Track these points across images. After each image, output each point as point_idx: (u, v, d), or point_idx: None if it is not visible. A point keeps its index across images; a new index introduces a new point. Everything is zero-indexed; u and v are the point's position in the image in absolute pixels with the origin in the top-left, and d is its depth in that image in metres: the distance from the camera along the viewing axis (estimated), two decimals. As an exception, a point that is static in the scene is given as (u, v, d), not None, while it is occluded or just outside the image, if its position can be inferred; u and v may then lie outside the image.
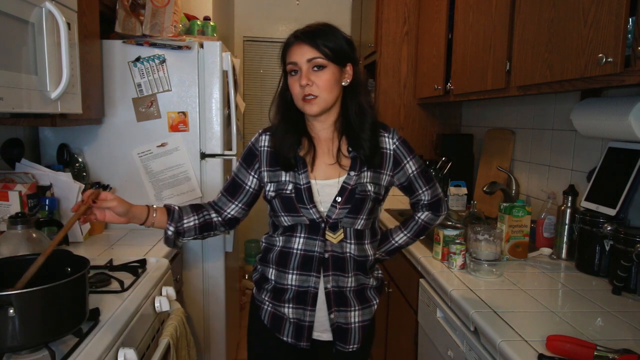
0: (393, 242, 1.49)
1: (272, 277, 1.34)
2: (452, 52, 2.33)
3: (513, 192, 2.23)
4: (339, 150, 1.32)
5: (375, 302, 1.39)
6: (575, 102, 1.80)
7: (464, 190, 2.61)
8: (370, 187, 1.30)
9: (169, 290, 1.58)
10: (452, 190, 2.61)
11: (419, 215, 1.47)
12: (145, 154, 2.15)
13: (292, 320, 1.33)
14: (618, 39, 1.15)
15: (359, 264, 1.33)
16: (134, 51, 2.09)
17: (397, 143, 1.35)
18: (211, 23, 2.45)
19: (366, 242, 1.35)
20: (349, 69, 1.30)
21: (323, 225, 1.28)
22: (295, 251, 1.31)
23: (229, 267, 2.42)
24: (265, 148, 1.34)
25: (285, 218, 1.30)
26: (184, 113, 2.15)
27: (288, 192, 1.29)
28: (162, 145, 2.15)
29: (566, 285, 1.50)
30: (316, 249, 1.29)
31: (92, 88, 1.95)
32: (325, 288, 1.30)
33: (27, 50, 1.29)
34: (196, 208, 1.37)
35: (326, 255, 1.29)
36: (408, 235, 1.49)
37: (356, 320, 1.34)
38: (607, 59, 1.18)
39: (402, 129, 3.04)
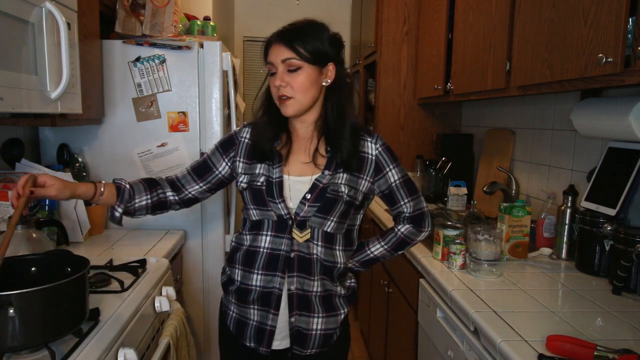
0: (368, 251, 1.41)
1: (238, 278, 1.32)
2: (452, 52, 2.33)
3: (513, 192, 2.23)
4: (316, 150, 1.30)
5: (342, 311, 1.35)
6: (575, 102, 1.80)
7: (464, 190, 2.61)
8: (343, 189, 1.26)
9: (169, 290, 1.58)
10: (452, 190, 2.61)
11: (399, 227, 1.40)
12: (145, 154, 2.15)
13: (255, 323, 1.30)
14: (618, 39, 1.15)
15: (326, 268, 1.29)
16: (134, 51, 2.09)
17: (380, 149, 1.32)
18: (211, 23, 2.45)
19: (337, 247, 1.30)
20: (331, 68, 1.27)
21: (290, 222, 1.26)
22: (261, 250, 1.28)
23: (229, 267, 2.42)
24: (246, 140, 1.34)
25: (254, 211, 1.28)
26: (184, 113, 2.15)
27: (259, 184, 1.27)
28: (162, 145, 2.15)
29: (566, 285, 1.50)
30: (282, 247, 1.26)
31: (92, 88, 1.95)
32: (289, 290, 1.27)
33: (27, 50, 1.29)
34: (150, 185, 1.35)
35: (292, 254, 1.26)
36: (385, 247, 1.41)
37: (318, 327, 1.30)
38: (607, 59, 1.18)
39: (402, 129, 3.04)
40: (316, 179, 1.27)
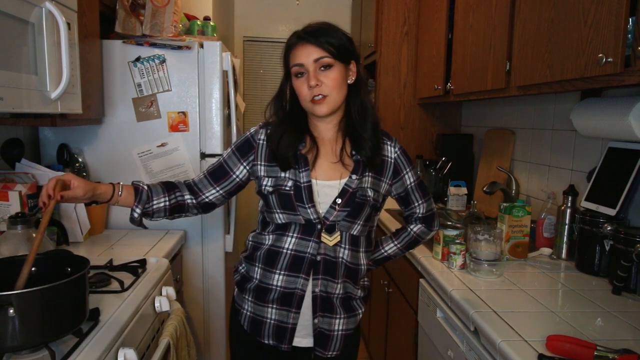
0: (382, 251, 1.47)
1: (257, 276, 1.31)
2: (452, 52, 2.33)
3: (513, 192, 2.23)
4: (342, 149, 1.31)
5: (360, 311, 1.37)
6: (575, 102, 1.80)
7: (464, 190, 2.61)
8: (370, 193, 1.29)
9: (169, 290, 1.58)
10: (452, 190, 2.61)
11: (411, 227, 1.47)
12: (145, 154, 2.15)
13: (273, 321, 1.29)
14: (618, 39, 1.15)
15: (350, 271, 1.31)
16: (134, 51, 2.09)
17: (398, 152, 1.35)
18: (211, 23, 2.45)
19: (361, 250, 1.33)
20: (352, 66, 1.29)
21: (320, 226, 1.26)
22: (285, 251, 1.27)
23: (229, 267, 2.42)
24: (264, 142, 1.32)
25: (280, 215, 1.27)
26: (184, 113, 2.15)
27: (287, 189, 1.26)
28: (162, 145, 2.15)
29: (566, 285, 1.50)
30: (309, 250, 1.26)
31: (92, 88, 1.95)
32: (313, 292, 1.27)
33: (27, 50, 1.29)
34: (168, 188, 1.33)
35: (318, 258, 1.27)
36: (398, 246, 1.48)
37: (340, 328, 1.31)
38: (607, 59, 1.18)
39: (402, 129, 3.04)
40: (346, 184, 1.28)
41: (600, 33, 1.22)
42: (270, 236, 1.30)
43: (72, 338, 1.10)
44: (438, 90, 2.50)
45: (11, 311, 0.95)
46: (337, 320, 1.31)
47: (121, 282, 1.43)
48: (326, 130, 1.33)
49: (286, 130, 1.29)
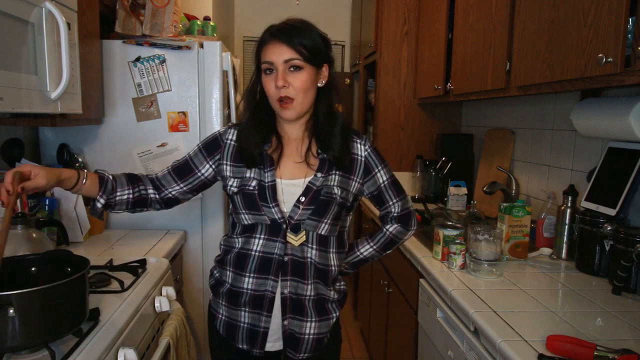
0: (358, 253, 1.44)
1: (229, 280, 1.29)
2: (452, 52, 2.33)
3: (513, 192, 2.23)
4: (308, 149, 1.29)
5: (334, 314, 1.33)
6: (575, 102, 1.80)
7: (464, 190, 2.61)
8: (336, 190, 1.26)
9: (169, 290, 1.58)
10: (452, 190, 2.61)
11: (387, 227, 1.43)
12: (145, 154, 2.15)
13: (246, 325, 1.28)
14: (618, 39, 1.15)
15: (320, 272, 1.28)
16: (134, 51, 2.09)
17: (369, 150, 1.32)
18: (211, 23, 2.45)
19: (331, 250, 1.30)
20: (324, 70, 1.27)
21: (285, 226, 1.24)
22: (253, 253, 1.26)
23: (229, 267, 2.42)
24: (232, 142, 1.31)
25: (246, 216, 1.25)
26: (184, 113, 2.15)
27: (251, 188, 1.25)
28: (162, 145, 2.15)
29: (566, 285, 1.50)
30: (276, 251, 1.24)
31: (92, 88, 1.95)
32: (282, 293, 1.25)
33: (27, 50, 1.29)
34: (132, 180, 1.31)
35: (285, 258, 1.24)
36: (374, 247, 1.44)
37: (311, 332, 1.28)
38: (607, 59, 1.18)
39: (402, 129, 3.04)
40: (309, 182, 1.26)
41: (600, 33, 1.22)
42: (239, 239, 1.29)
43: (72, 338, 1.10)
44: (438, 90, 2.50)
45: (11, 311, 0.95)
46: (308, 324, 1.28)
47: (121, 282, 1.43)
48: (292, 130, 1.31)
49: (255, 127, 1.28)
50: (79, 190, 1.23)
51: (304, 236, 1.25)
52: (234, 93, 2.25)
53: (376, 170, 1.33)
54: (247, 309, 1.27)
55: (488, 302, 1.34)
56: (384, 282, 2.35)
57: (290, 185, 1.27)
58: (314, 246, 1.26)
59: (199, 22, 2.39)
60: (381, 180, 1.34)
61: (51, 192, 1.85)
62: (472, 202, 2.29)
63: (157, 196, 1.34)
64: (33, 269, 1.20)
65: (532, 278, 1.57)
